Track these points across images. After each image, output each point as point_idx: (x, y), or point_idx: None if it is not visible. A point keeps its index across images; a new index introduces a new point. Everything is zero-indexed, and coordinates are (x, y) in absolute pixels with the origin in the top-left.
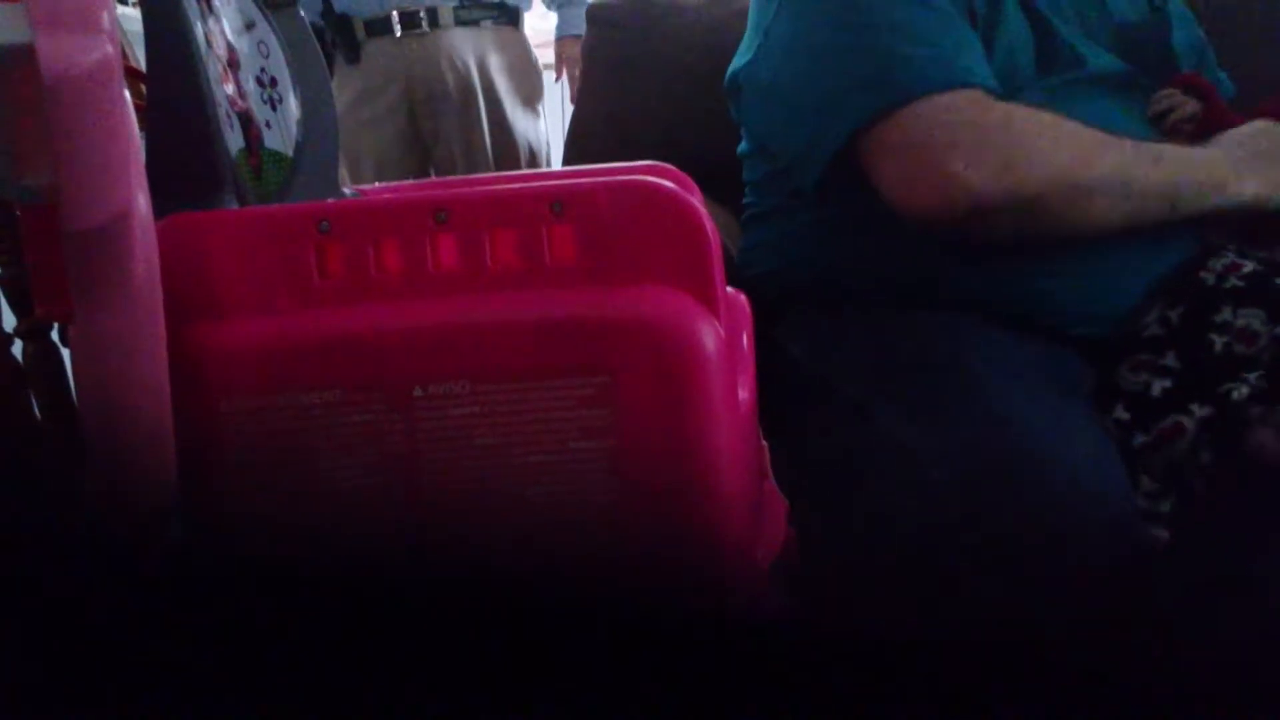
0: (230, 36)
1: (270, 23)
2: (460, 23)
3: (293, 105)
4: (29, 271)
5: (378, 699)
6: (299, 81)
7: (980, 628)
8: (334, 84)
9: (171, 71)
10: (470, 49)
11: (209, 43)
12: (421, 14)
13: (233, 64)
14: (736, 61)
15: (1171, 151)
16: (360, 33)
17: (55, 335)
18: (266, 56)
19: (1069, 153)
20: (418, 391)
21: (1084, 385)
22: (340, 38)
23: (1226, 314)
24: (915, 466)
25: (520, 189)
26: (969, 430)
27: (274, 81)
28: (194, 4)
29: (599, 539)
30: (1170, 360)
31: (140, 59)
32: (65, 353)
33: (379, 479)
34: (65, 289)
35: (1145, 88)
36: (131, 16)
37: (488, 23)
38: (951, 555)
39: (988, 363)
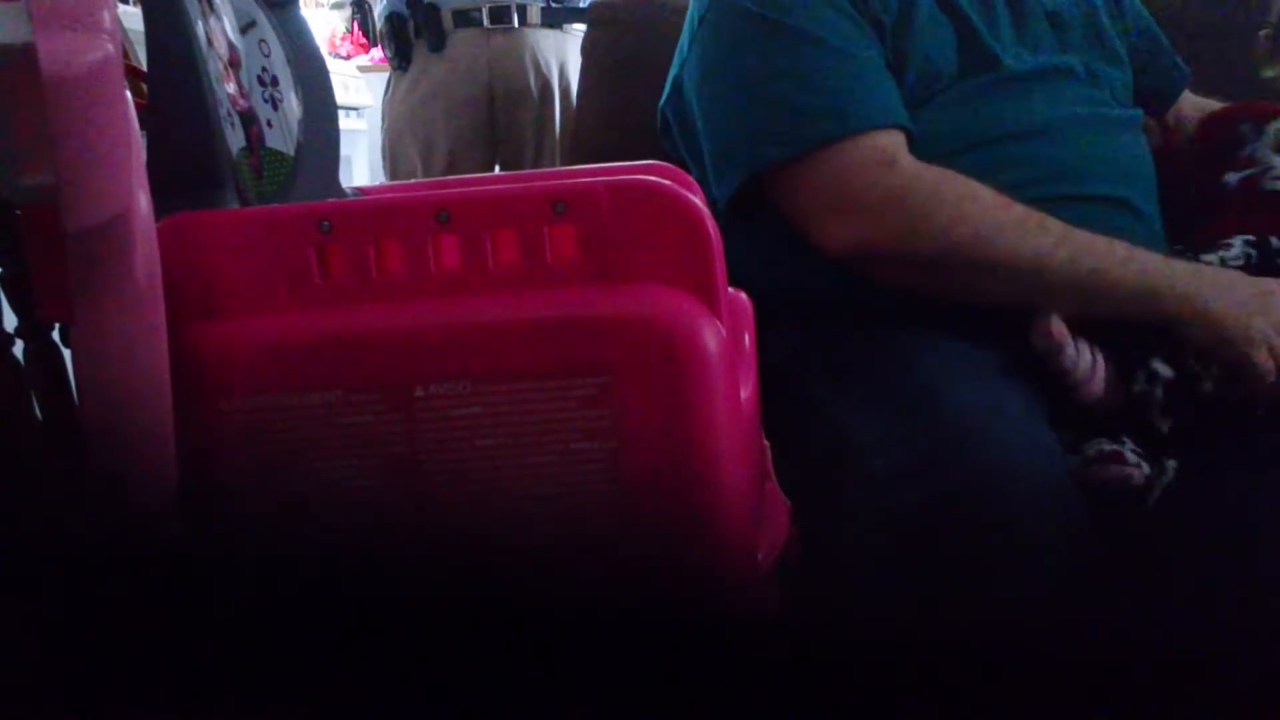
0: (231, 35)
1: (270, 22)
2: (547, 23)
3: (294, 104)
4: (30, 271)
5: (378, 697)
6: (299, 81)
7: (942, 618)
8: (414, 71)
9: (172, 70)
10: (553, 50)
11: (210, 41)
12: (512, 9)
13: (234, 63)
14: (661, 101)
15: (1111, 251)
16: (448, 22)
17: (56, 335)
18: (267, 56)
19: (970, 227)
20: (419, 391)
21: (1027, 367)
22: (426, 26)
23: None
24: (860, 457)
25: (521, 189)
26: (905, 418)
27: (275, 81)
28: (195, 3)
29: (600, 539)
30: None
31: (141, 58)
32: (66, 353)
33: (380, 479)
34: (66, 289)
35: (1078, 73)
36: (132, 15)
37: (570, 26)
38: (902, 544)
39: (926, 350)
